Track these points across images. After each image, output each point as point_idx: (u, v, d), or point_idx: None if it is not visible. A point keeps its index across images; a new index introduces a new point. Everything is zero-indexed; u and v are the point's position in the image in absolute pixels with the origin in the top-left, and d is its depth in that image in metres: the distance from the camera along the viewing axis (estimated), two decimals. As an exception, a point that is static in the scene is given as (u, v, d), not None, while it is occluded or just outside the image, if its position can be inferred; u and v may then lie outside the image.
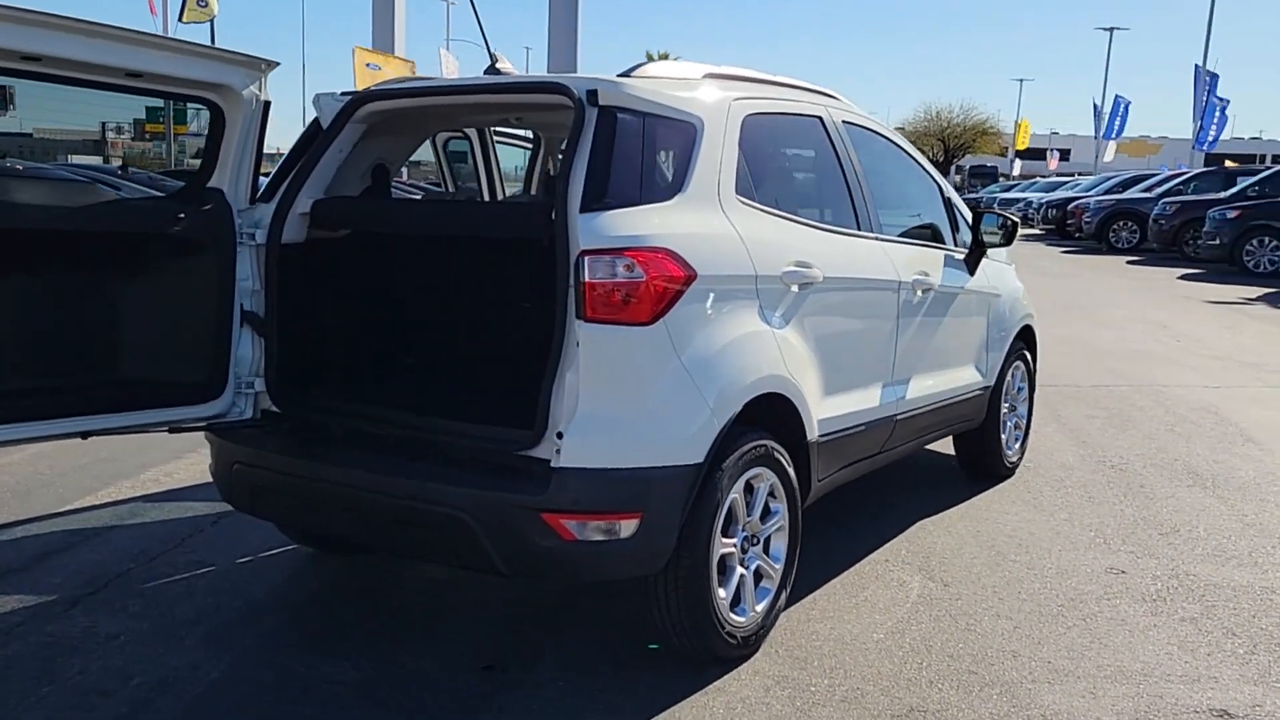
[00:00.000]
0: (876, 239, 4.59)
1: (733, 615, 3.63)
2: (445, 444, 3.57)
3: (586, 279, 3.22)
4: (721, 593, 3.58)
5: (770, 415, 3.73)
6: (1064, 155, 71.46)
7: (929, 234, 5.21)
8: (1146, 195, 25.82)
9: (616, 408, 3.28)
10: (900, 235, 4.88)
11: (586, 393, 3.25)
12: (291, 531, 4.56)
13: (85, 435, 3.65)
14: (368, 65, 16.06)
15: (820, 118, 4.49)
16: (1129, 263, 22.00)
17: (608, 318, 3.24)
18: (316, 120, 4.11)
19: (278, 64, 3.71)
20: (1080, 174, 43.92)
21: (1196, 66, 34.57)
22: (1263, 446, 6.89)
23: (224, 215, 3.81)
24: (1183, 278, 18.92)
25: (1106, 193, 28.88)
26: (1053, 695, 3.51)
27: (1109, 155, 49.12)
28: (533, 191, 5.63)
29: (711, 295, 3.48)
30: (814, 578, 4.42)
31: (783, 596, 3.90)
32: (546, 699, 3.45)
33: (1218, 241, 19.44)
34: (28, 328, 3.44)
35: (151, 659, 3.66)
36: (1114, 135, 47.11)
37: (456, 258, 4.13)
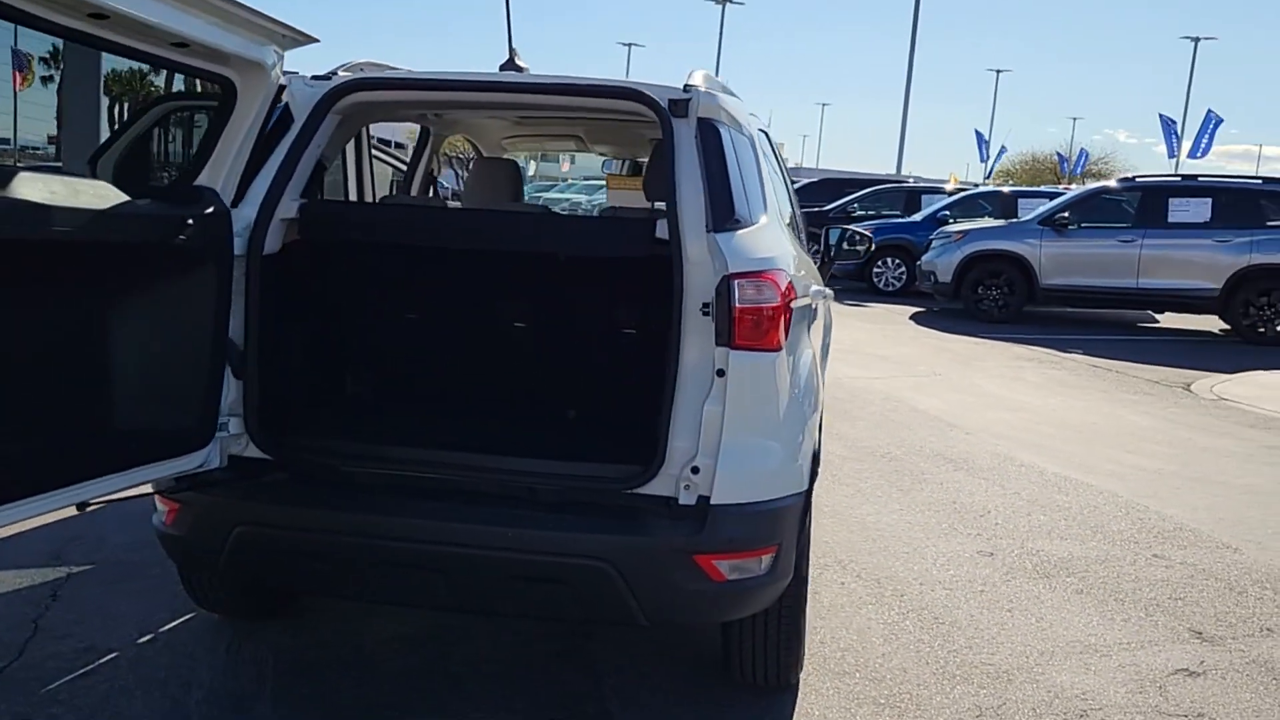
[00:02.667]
0: (806, 252, 4.75)
1: (799, 638, 3.62)
2: (516, 485, 3.19)
3: (737, 304, 3.05)
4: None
5: None
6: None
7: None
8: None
9: (754, 438, 3.14)
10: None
11: (731, 424, 3.08)
12: (213, 598, 3.77)
13: (82, 507, 2.80)
14: None
15: (763, 130, 4.54)
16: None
17: (752, 344, 3.09)
18: (286, 108, 3.45)
19: (317, 39, 3.07)
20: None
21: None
22: (968, 431, 7.98)
23: (225, 222, 3.09)
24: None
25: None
26: (1063, 675, 3.90)
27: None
28: (413, 191, 5.06)
29: (797, 317, 3.44)
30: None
31: (803, 612, 3.94)
32: (655, 751, 3.23)
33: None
34: (10, 372, 2.56)
35: (166, 781, 2.90)
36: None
37: (502, 275, 3.64)
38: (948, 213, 18.31)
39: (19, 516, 2.54)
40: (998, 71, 74.99)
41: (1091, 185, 17.19)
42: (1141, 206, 14.85)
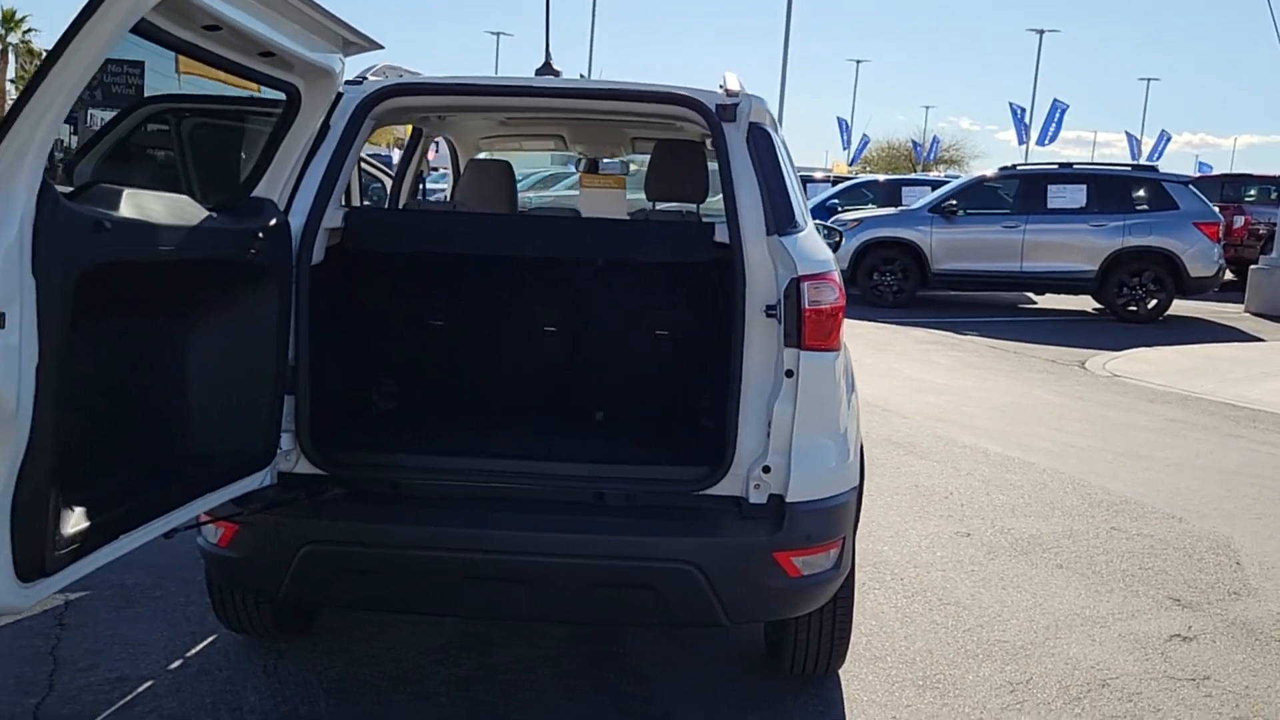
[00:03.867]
0: None
1: (839, 625, 3.72)
2: (582, 491, 3.21)
3: (807, 306, 3.12)
4: (845, 606, 3.66)
5: None
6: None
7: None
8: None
9: (820, 436, 3.22)
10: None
11: (801, 423, 3.15)
12: (246, 619, 3.65)
13: (170, 534, 2.70)
14: None
15: None
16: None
17: (819, 344, 3.17)
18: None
19: (381, 46, 3.00)
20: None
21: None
22: (904, 415, 8.26)
23: (286, 235, 3.01)
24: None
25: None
26: (1072, 648, 4.12)
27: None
28: (404, 194, 4.93)
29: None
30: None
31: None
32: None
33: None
34: (114, 399, 2.46)
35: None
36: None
37: (547, 279, 3.60)
38: (837, 201, 18.78)
39: (120, 551, 2.44)
40: (858, 62, 76.84)
41: (974, 174, 17.84)
42: (1022, 194, 15.54)
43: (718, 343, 3.26)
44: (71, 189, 2.20)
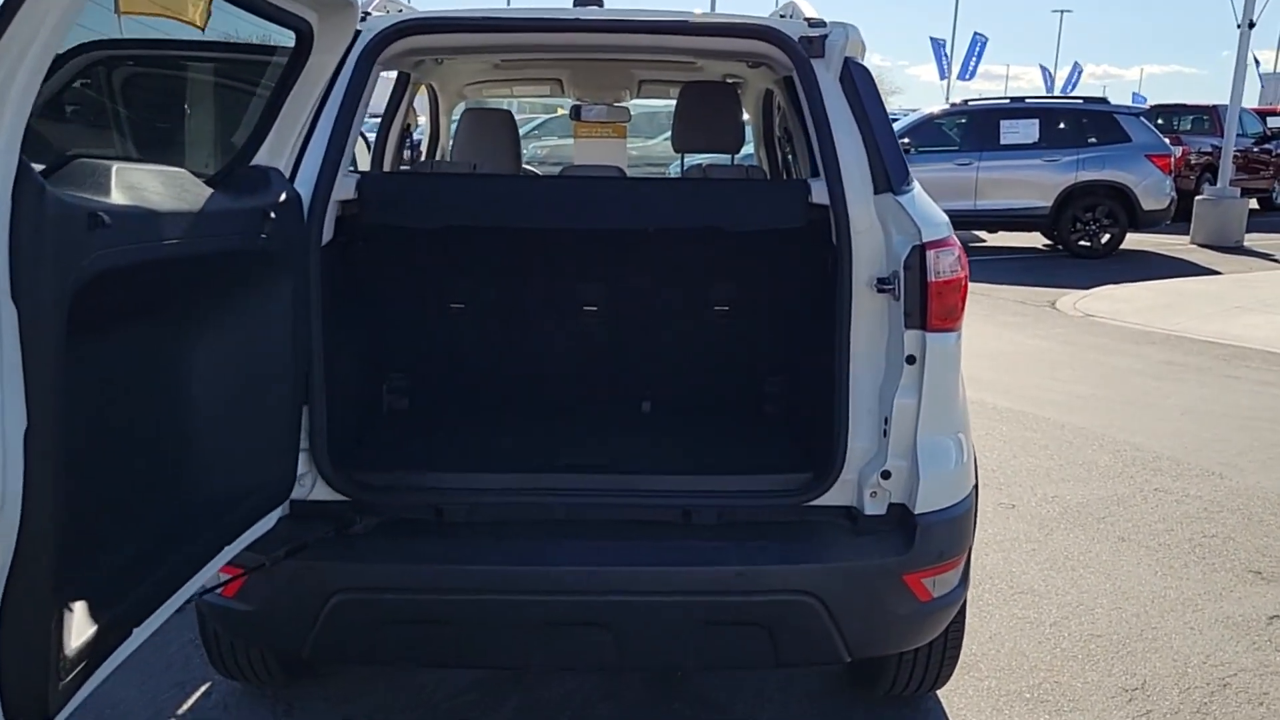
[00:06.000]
0: None
1: (939, 638, 3.26)
2: (665, 509, 2.67)
3: (933, 278, 2.60)
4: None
5: None
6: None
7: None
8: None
9: (943, 434, 2.71)
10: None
11: (926, 419, 2.65)
12: (246, 666, 3.05)
13: (190, 601, 2.10)
14: None
15: None
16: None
17: (944, 324, 2.66)
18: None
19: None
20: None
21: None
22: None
23: (297, 213, 2.38)
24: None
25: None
26: (1175, 639, 3.71)
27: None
28: (388, 149, 4.23)
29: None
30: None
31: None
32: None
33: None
34: (114, 451, 1.84)
35: None
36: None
37: (600, 256, 3.00)
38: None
39: (129, 651, 1.84)
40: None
41: (919, 111, 17.36)
42: (975, 130, 15.15)
43: (808, 323, 2.73)
44: (43, 168, 1.57)
